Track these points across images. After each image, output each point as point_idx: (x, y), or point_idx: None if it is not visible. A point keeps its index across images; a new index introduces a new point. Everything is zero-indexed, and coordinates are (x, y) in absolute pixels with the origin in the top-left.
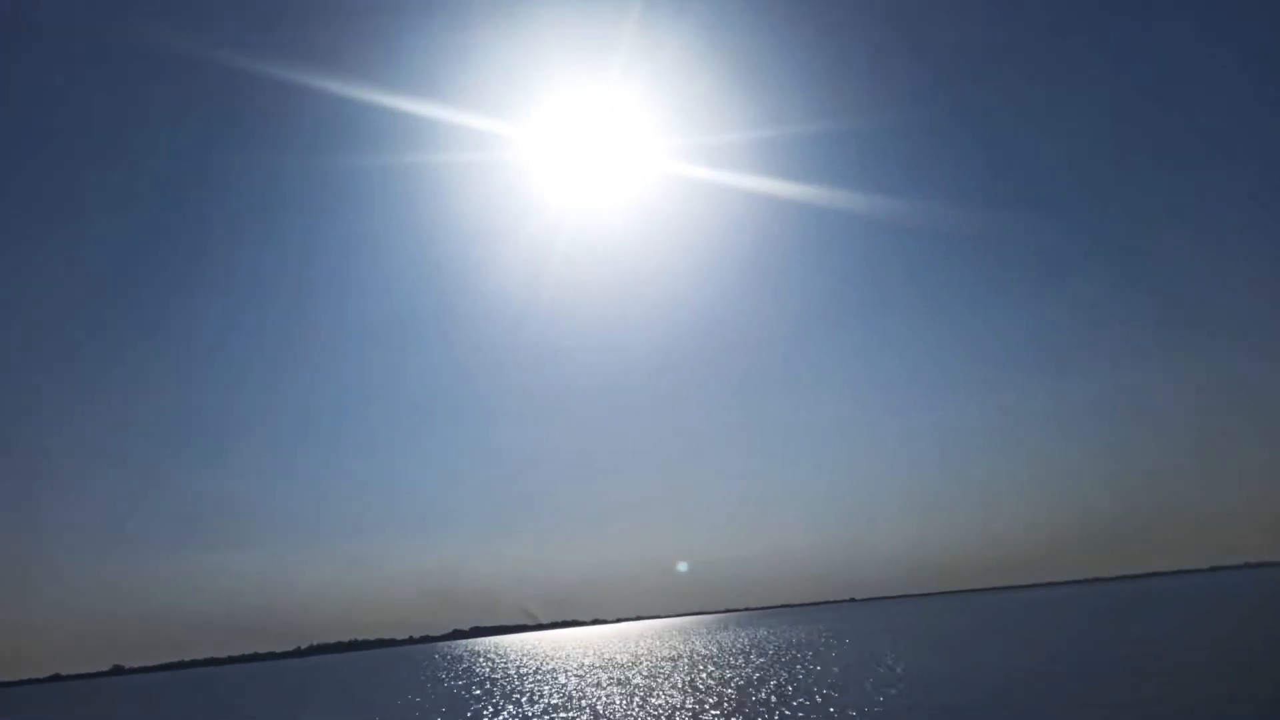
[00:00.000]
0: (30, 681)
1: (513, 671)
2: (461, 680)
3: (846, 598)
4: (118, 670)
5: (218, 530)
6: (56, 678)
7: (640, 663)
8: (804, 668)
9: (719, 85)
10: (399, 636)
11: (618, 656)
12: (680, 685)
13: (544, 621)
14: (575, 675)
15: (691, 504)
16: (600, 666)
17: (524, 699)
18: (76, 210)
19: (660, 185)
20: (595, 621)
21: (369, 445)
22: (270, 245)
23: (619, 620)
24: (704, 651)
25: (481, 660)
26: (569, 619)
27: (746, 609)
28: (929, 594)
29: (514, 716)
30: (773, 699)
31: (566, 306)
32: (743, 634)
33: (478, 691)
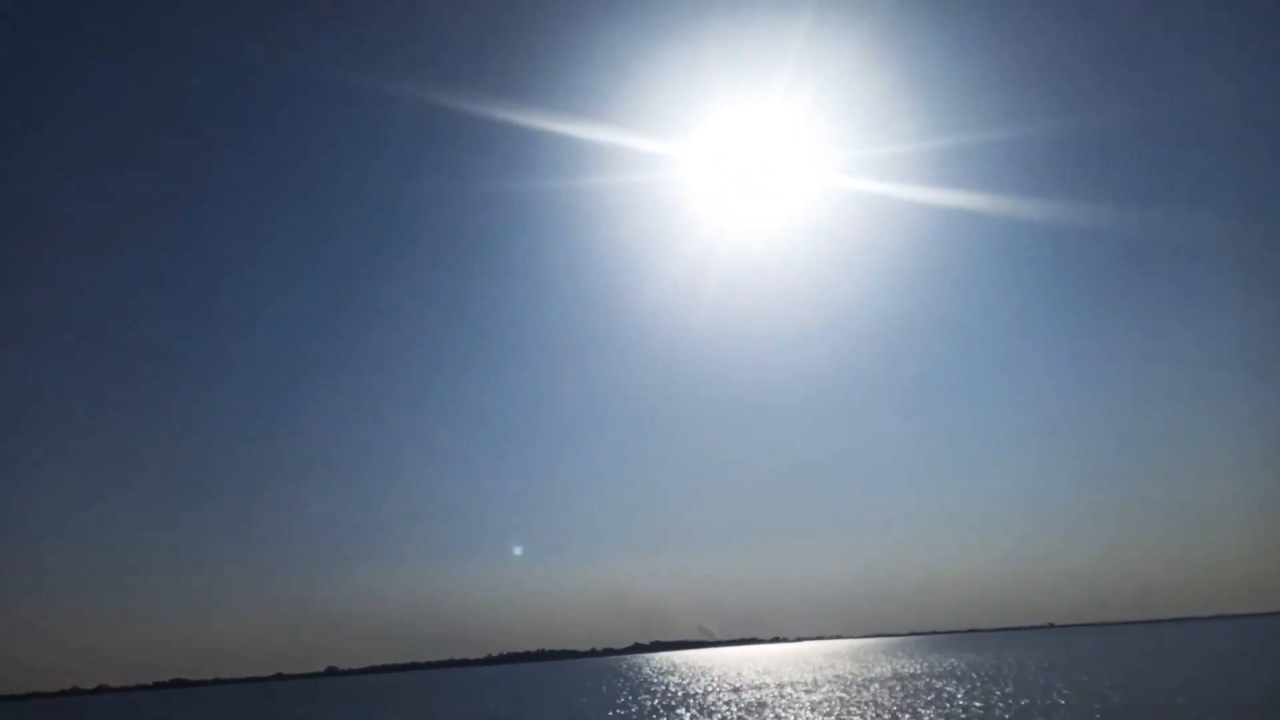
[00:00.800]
0: (253, 680)
1: (709, 687)
2: (645, 694)
3: (1044, 623)
4: (332, 671)
5: (412, 540)
6: (279, 677)
7: (847, 685)
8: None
9: (888, 95)
10: (581, 648)
11: (807, 676)
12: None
13: (721, 638)
14: (773, 691)
15: (869, 520)
16: (787, 684)
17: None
18: (284, 246)
19: (826, 198)
20: (775, 640)
21: (550, 459)
22: (446, 268)
23: (800, 639)
24: (898, 674)
25: (668, 675)
26: (748, 636)
27: (933, 632)
28: (1134, 621)
29: None
30: None
31: (736, 321)
32: (940, 659)
33: (673, 704)
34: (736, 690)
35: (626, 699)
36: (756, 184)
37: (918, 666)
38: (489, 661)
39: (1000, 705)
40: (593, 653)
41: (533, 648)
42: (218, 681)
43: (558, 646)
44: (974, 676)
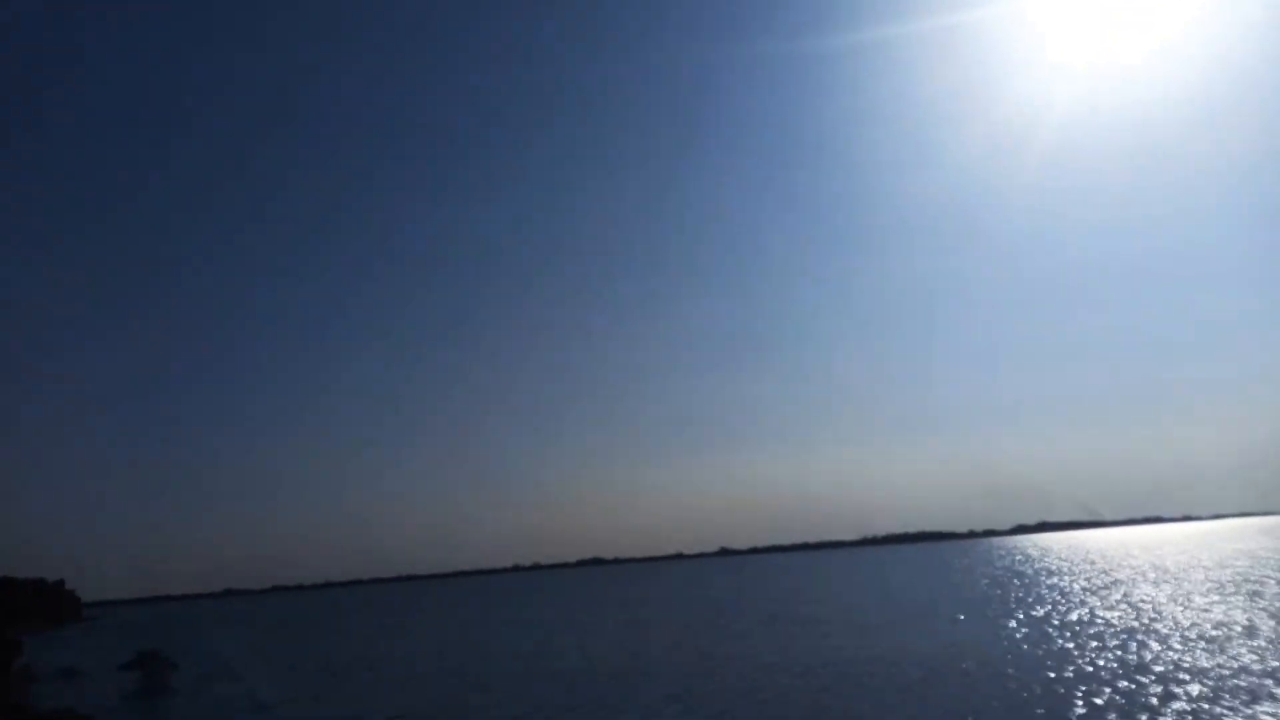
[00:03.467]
0: (504, 569)
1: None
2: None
3: None
4: (724, 551)
5: (803, 426)
6: (538, 567)
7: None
8: None
9: None
10: (960, 530)
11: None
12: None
13: (1109, 518)
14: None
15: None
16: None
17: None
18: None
19: (1231, 6)
20: (1185, 518)
21: (908, 339)
22: (757, 124)
23: (1217, 516)
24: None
25: (1030, 555)
26: (1149, 515)
27: None
28: None
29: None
30: None
31: (1084, 174)
32: None
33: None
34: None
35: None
36: (1118, 8)
37: None
38: (866, 543)
39: None
40: (971, 534)
41: (910, 529)
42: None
43: (936, 529)
44: None
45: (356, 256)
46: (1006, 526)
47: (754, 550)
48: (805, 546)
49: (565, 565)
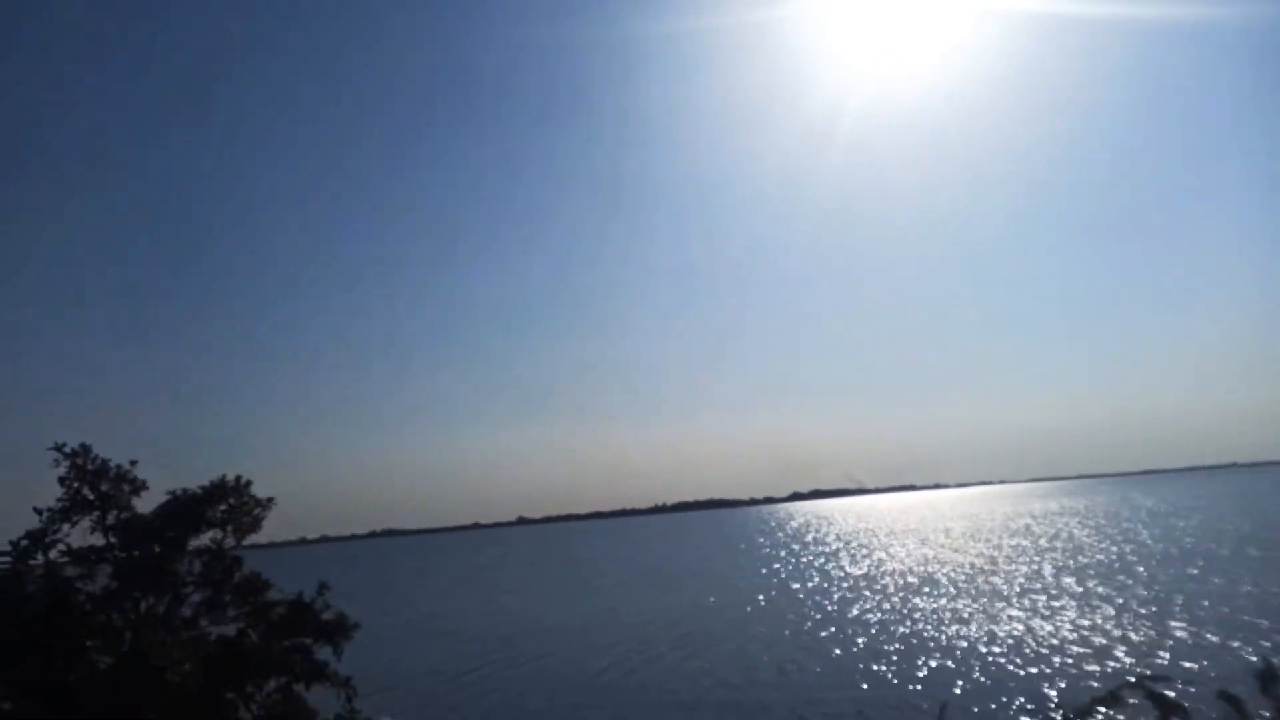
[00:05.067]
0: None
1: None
2: (781, 535)
3: (1227, 462)
4: (521, 520)
5: (573, 404)
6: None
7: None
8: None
9: None
10: (743, 497)
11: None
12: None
13: (870, 486)
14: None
15: (1041, 364)
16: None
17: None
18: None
19: (992, 23)
20: (935, 486)
21: (696, 319)
22: (577, 122)
23: (961, 485)
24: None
25: (805, 520)
26: (904, 484)
27: (1104, 475)
28: None
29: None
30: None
31: (874, 165)
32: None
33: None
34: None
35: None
36: (902, 17)
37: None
38: (658, 511)
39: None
40: (752, 501)
41: (701, 498)
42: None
43: (725, 496)
44: (1095, 515)
45: None
46: (784, 494)
47: (549, 519)
48: (600, 515)
49: (356, 537)
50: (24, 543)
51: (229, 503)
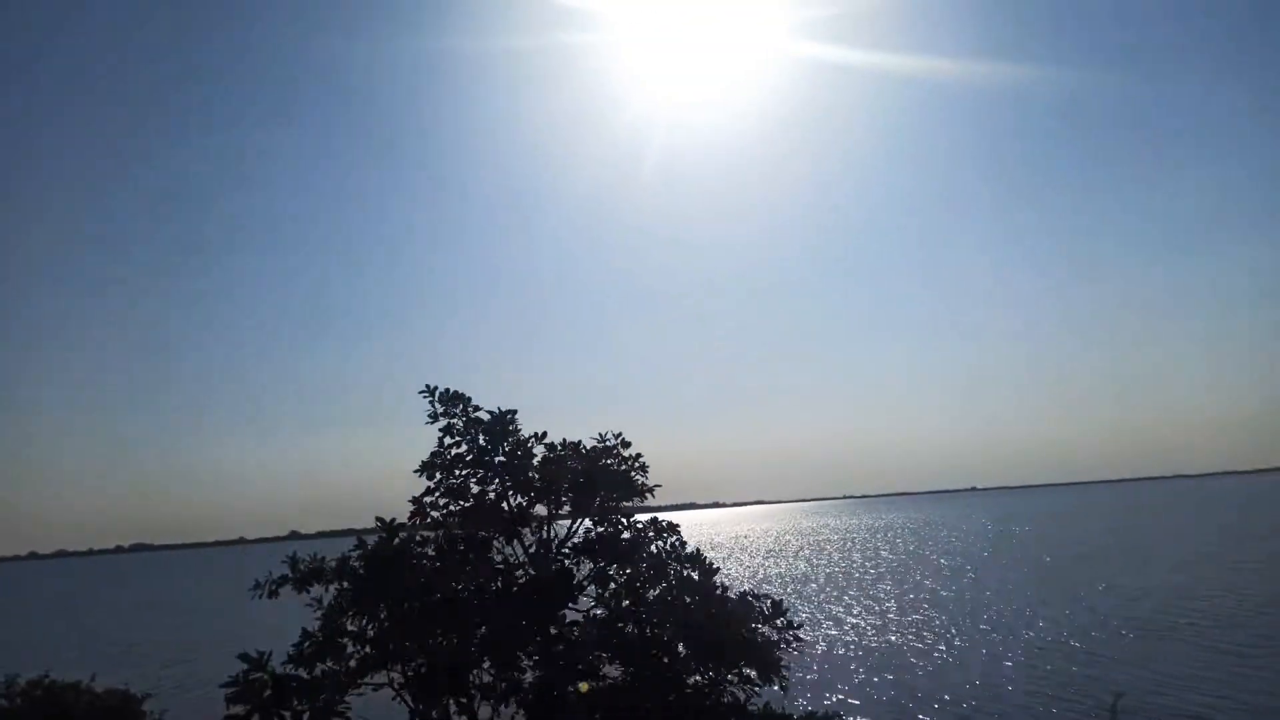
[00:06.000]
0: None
1: None
2: None
3: (968, 487)
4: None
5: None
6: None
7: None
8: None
9: None
10: None
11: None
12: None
13: (660, 503)
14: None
15: (814, 389)
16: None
17: None
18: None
19: (777, 66)
20: (715, 505)
21: (428, 330)
22: (364, 129)
23: (737, 504)
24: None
25: None
26: (685, 502)
27: (865, 496)
28: (1053, 485)
29: None
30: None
31: (669, 196)
32: (857, 520)
33: None
34: None
35: None
36: (700, 49)
37: (814, 523)
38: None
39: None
40: None
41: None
42: None
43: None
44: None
45: None
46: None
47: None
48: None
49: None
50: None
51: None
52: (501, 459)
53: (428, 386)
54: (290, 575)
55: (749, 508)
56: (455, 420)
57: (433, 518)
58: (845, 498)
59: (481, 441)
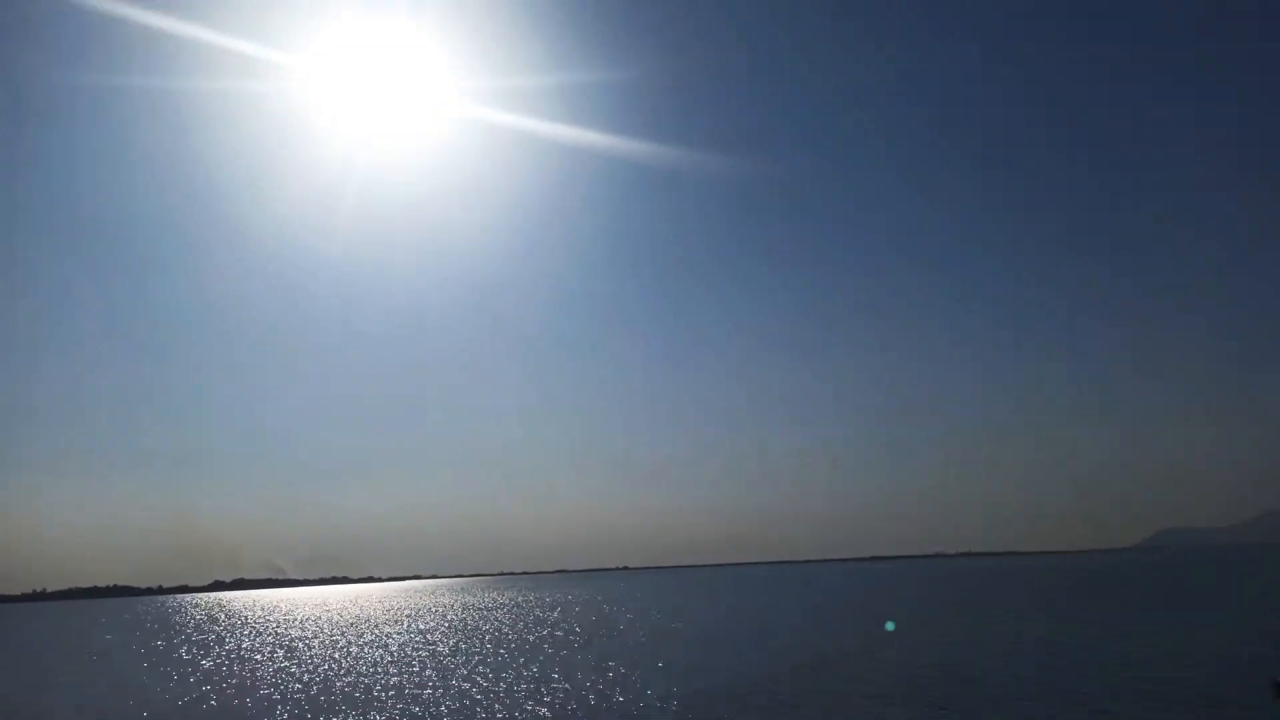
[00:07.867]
0: None
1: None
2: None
3: (619, 566)
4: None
5: None
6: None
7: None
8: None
9: (514, 25)
10: (153, 585)
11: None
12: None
13: (298, 577)
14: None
15: (478, 463)
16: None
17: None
18: None
19: (456, 127)
20: (369, 579)
21: (112, 367)
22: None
23: (394, 579)
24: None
25: (206, 614)
26: (337, 575)
27: (524, 573)
28: (697, 565)
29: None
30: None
31: (359, 250)
32: (503, 596)
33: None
34: None
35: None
36: (387, 108)
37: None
38: (33, 598)
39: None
40: (161, 589)
41: (89, 584)
42: None
43: (125, 583)
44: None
45: None
46: (203, 583)
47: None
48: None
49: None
50: None
51: None
52: None
53: None
54: None
55: (407, 582)
56: None
57: None
58: (501, 574)
59: None
